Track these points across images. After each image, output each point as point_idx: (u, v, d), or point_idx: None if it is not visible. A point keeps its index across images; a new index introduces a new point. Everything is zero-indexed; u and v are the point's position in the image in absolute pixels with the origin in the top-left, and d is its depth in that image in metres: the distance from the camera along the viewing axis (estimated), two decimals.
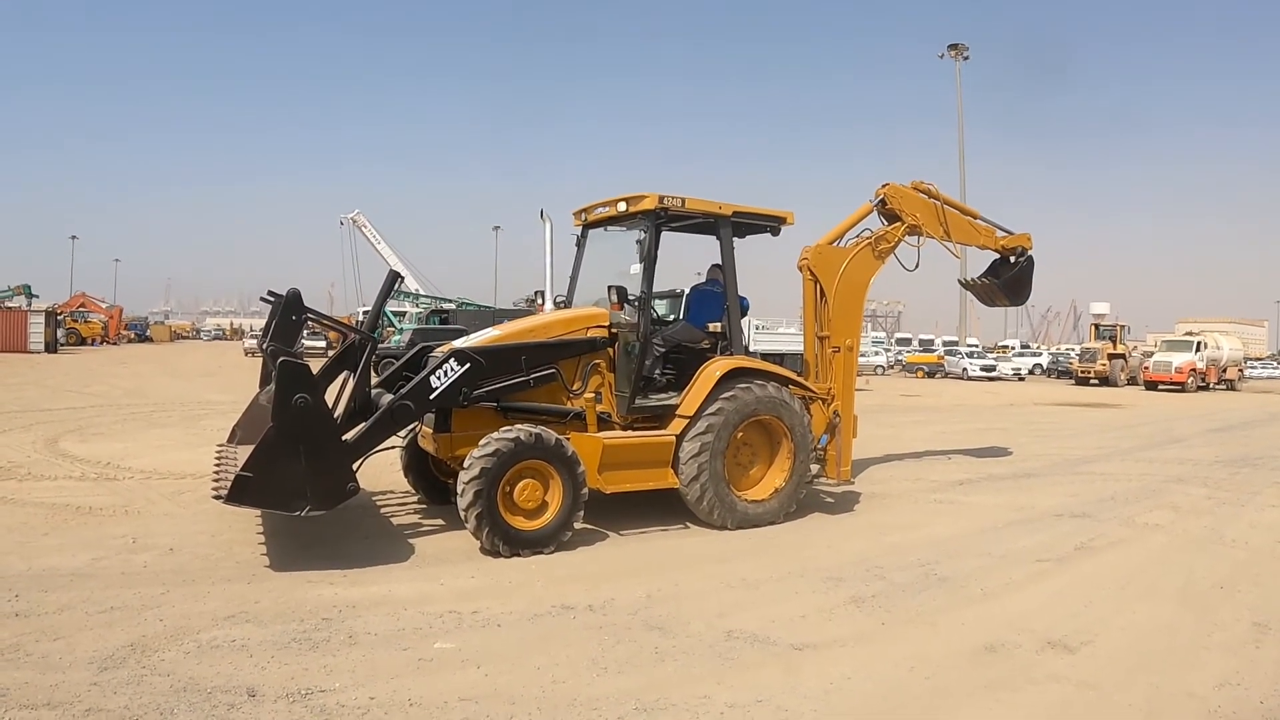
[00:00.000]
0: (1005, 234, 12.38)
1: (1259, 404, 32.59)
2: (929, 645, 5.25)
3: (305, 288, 8.24)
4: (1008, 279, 12.65)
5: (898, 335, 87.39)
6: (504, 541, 6.92)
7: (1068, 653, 5.15)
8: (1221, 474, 12.63)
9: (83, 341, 59.09)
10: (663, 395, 8.47)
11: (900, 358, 60.32)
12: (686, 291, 9.60)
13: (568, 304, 9.43)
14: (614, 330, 8.26)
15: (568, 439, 7.43)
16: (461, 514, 6.92)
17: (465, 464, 6.99)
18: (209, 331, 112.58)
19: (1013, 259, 12.48)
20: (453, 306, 46.94)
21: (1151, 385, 41.81)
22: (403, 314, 46.26)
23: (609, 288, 7.95)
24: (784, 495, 8.56)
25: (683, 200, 8.28)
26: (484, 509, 6.84)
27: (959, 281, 13.74)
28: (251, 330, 73.54)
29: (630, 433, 8.14)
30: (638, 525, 8.17)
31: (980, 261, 13.10)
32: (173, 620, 5.25)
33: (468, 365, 7.49)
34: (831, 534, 8.27)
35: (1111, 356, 45.85)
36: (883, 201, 10.91)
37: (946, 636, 5.41)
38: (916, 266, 11.04)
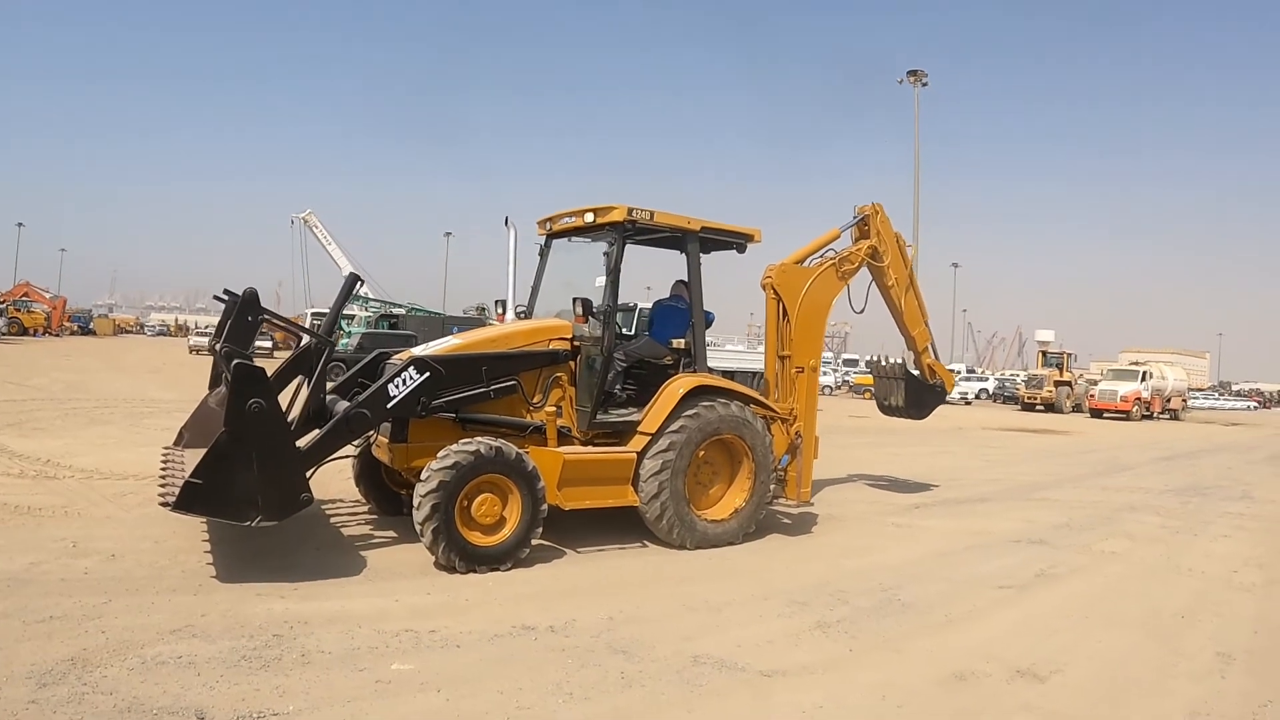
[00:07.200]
0: (935, 356, 12.30)
1: (1203, 434, 33.32)
2: (898, 672, 5.16)
3: (253, 286, 7.98)
4: (917, 390, 12.32)
5: (844, 356, 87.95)
6: (460, 557, 6.72)
7: (1038, 682, 5.09)
8: (1173, 503, 12.81)
9: (24, 331, 57.56)
10: (624, 411, 8.32)
11: (848, 378, 60.64)
12: (650, 307, 9.48)
13: (529, 315, 9.23)
14: (576, 343, 8.12)
15: (527, 453, 7.27)
16: (417, 528, 6.71)
17: (423, 476, 6.78)
18: (153, 327, 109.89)
19: (930, 381, 12.33)
20: (402, 311, 46.52)
21: (1097, 413, 42.61)
22: (352, 317, 45.68)
23: (574, 300, 7.74)
24: (744, 515, 8.45)
25: (651, 213, 8.16)
26: (441, 523, 6.63)
27: (867, 362, 13.56)
28: (197, 327, 71.94)
29: (591, 448, 7.99)
30: (595, 543, 8.01)
31: None
32: (115, 633, 4.99)
33: (427, 374, 7.28)
34: (791, 556, 8.18)
35: (1058, 383, 46.66)
36: (864, 219, 10.86)
37: (915, 664, 5.33)
38: (863, 310, 11.01)
